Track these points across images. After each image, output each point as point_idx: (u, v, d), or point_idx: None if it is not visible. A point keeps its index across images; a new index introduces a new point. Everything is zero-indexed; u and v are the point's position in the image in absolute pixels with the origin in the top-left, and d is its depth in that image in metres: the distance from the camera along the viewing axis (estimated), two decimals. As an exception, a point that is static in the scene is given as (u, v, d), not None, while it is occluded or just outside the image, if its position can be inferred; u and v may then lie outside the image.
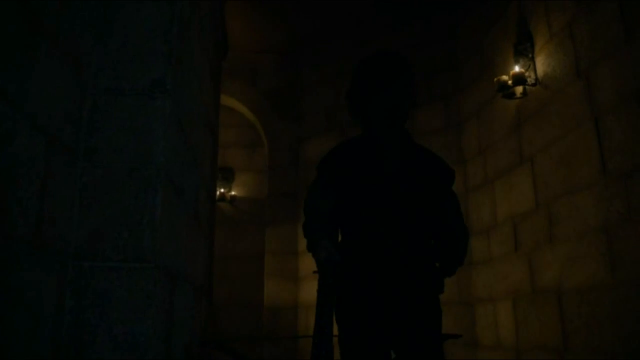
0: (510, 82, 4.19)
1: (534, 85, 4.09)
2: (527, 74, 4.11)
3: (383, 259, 1.99)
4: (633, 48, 2.98)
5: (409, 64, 2.15)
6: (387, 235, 2.02)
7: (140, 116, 1.65)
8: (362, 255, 2.02)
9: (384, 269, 1.99)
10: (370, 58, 2.20)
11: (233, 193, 7.42)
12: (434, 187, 2.12)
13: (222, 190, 7.26)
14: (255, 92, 6.88)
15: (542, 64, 4.03)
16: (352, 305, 2.01)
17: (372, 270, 1.99)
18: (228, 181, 7.48)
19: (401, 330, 1.98)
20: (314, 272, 1.98)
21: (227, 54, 5.22)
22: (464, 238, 2.13)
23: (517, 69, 4.15)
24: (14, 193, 1.21)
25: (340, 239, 2.13)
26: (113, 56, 1.69)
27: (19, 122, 1.21)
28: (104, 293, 1.56)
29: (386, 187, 2.06)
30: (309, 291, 6.03)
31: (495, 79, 4.32)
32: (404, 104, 2.11)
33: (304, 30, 6.36)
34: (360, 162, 2.11)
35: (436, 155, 2.25)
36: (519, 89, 4.20)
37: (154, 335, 1.60)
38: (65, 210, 1.52)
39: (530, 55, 4.15)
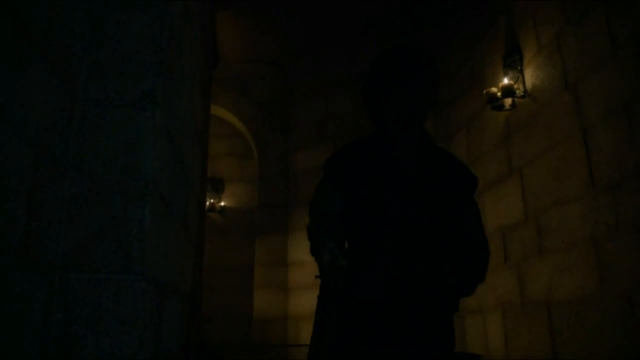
0: (499, 94, 4.21)
1: (522, 97, 4.12)
2: (516, 86, 4.14)
3: (394, 270, 1.80)
4: (620, 61, 3.01)
5: (433, 58, 1.98)
6: (400, 244, 1.83)
7: (130, 127, 1.65)
8: (371, 264, 1.83)
9: (394, 282, 1.80)
10: (391, 49, 2.03)
11: (223, 203, 7.39)
12: (454, 194, 1.94)
13: (211, 200, 7.24)
14: (246, 103, 6.88)
15: (530, 76, 4.06)
16: (356, 321, 1.80)
17: (381, 283, 1.81)
18: (218, 191, 7.46)
19: (411, 352, 1.78)
20: (316, 276, 1.81)
21: (218, 64, 5.22)
22: (484, 252, 1.94)
23: (506, 81, 4.18)
24: (1, 204, 1.20)
25: (347, 245, 1.94)
26: (103, 67, 1.68)
27: (6, 132, 1.21)
28: (91, 305, 1.55)
29: (401, 191, 1.88)
30: (299, 303, 6.02)
31: (485, 91, 4.35)
32: (424, 101, 1.94)
33: (295, 41, 6.37)
34: (373, 163, 1.94)
35: (458, 159, 2.08)
36: (508, 101, 4.22)
37: (141, 347, 1.59)
38: (54, 221, 1.51)
39: (519, 68, 4.18)
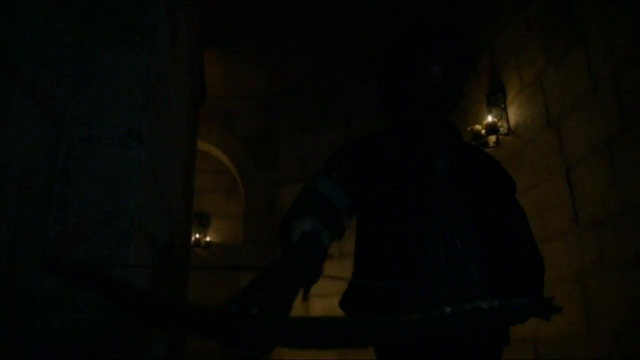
0: (483, 131, 4.25)
1: (506, 134, 4.16)
2: (500, 123, 4.19)
3: (432, 295, 1.33)
4: (600, 99, 3.06)
5: (468, 35, 1.68)
6: (441, 261, 1.44)
7: (115, 165, 1.65)
8: (399, 285, 1.40)
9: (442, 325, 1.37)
10: (415, 26, 1.70)
11: (208, 239, 7.37)
12: (496, 197, 1.61)
13: (197, 235, 7.21)
14: (232, 138, 6.90)
15: (514, 114, 4.12)
16: None
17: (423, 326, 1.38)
18: (203, 226, 7.44)
19: None
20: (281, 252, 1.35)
21: (205, 100, 5.25)
22: (541, 265, 1.62)
23: (490, 118, 4.23)
24: (-17, 244, 1.19)
25: (354, 269, 1.57)
26: (89, 105, 1.69)
27: (-10, 170, 1.20)
28: (73, 346, 1.52)
29: (436, 192, 1.51)
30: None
31: (469, 128, 4.39)
32: (458, 85, 1.60)
33: (281, 77, 6.43)
34: (397, 158, 1.57)
35: (492, 157, 1.79)
36: (492, 138, 4.26)
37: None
38: (36, 262, 1.49)
39: (502, 105, 4.24)
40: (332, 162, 1.60)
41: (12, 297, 1.36)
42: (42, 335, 1.52)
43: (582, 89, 3.25)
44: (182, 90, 2.76)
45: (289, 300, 1.06)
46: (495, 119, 4.21)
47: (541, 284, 1.60)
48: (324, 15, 5.35)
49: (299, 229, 1.31)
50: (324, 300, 5.69)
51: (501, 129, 4.18)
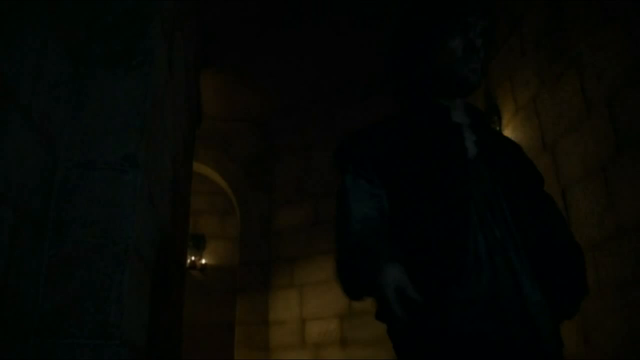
0: (479, 153, 4.26)
1: (502, 156, 4.16)
2: (495, 146, 4.19)
3: (499, 292, 1.24)
4: (595, 122, 3.08)
5: (493, 6, 1.45)
6: (481, 251, 1.28)
7: (111, 190, 1.64)
8: (456, 285, 1.24)
9: (503, 309, 1.23)
10: None
11: (204, 261, 7.33)
12: (527, 183, 1.46)
13: (192, 258, 7.17)
14: (227, 160, 6.90)
15: (509, 137, 4.13)
16: None
17: (484, 311, 1.23)
18: (199, 248, 7.41)
19: None
20: (377, 316, 1.30)
21: (202, 122, 5.26)
22: (582, 256, 1.47)
23: (485, 141, 4.23)
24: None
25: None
26: (86, 130, 1.69)
27: (-14, 197, 1.20)
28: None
29: (473, 179, 1.35)
30: (280, 363, 5.91)
31: (465, 151, 4.39)
32: (478, 62, 1.42)
33: (276, 99, 6.46)
34: (424, 141, 1.40)
35: (518, 144, 1.65)
36: (488, 161, 4.26)
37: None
38: (31, 284, 1.48)
39: (497, 128, 4.25)
40: (351, 156, 1.45)
41: (6, 321, 1.35)
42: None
43: (576, 112, 3.27)
44: (179, 113, 2.76)
45: None
46: (491, 142, 4.21)
47: (584, 270, 1.46)
48: (319, 38, 5.39)
49: (387, 280, 1.12)
50: (319, 323, 5.68)
51: (496, 151, 4.18)
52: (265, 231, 6.55)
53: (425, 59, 1.46)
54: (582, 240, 3.11)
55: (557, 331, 1.35)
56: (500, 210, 1.34)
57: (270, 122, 6.86)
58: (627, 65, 2.81)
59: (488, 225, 1.32)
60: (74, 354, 1.52)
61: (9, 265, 1.33)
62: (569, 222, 3.30)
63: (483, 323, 1.22)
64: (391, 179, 1.38)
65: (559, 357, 1.34)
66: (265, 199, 6.69)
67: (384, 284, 1.11)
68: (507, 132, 4.15)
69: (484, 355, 1.22)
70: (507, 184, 1.38)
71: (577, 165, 3.25)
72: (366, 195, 1.37)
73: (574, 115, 3.29)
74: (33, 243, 1.49)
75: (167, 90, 2.21)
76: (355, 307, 5.29)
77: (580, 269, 1.44)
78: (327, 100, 6.28)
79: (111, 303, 1.56)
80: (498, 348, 1.22)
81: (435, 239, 1.29)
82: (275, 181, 6.74)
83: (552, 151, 3.53)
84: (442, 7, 1.45)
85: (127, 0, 1.83)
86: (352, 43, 5.41)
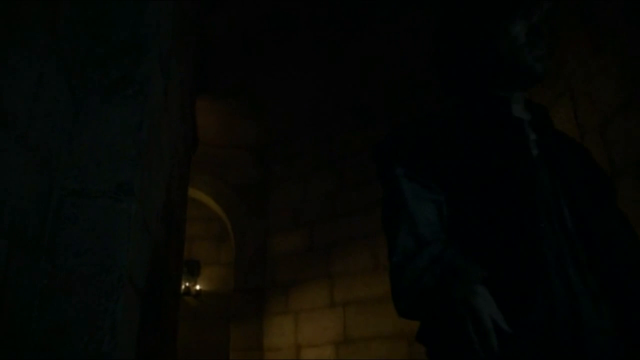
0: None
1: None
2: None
3: (569, 313, 1.10)
4: (588, 147, 3.10)
5: None
6: (548, 262, 1.14)
7: (106, 218, 1.64)
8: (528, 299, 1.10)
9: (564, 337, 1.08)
10: None
11: (198, 287, 7.30)
12: (594, 193, 1.28)
13: (187, 284, 7.14)
14: (223, 186, 6.90)
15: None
16: None
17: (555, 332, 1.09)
18: (193, 275, 7.37)
19: None
20: (419, 338, 1.21)
21: (197, 148, 5.27)
22: None
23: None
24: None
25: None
26: (81, 157, 1.69)
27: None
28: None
29: (539, 182, 1.21)
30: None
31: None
32: (542, 49, 1.28)
33: (273, 127, 6.48)
34: (481, 139, 1.25)
35: (587, 149, 1.47)
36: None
37: None
38: (24, 313, 1.47)
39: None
40: (397, 158, 1.29)
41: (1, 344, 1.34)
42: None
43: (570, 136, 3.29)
44: (174, 139, 2.77)
45: None
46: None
47: None
48: (317, 64, 5.42)
49: (477, 302, 1.01)
50: (314, 350, 5.63)
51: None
52: (260, 257, 6.53)
53: (482, 46, 1.31)
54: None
55: None
56: (561, 222, 1.20)
57: (268, 148, 6.88)
58: (619, 92, 2.83)
59: (563, 239, 1.18)
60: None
61: (1, 292, 1.33)
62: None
63: (537, 354, 1.08)
64: (446, 180, 1.23)
65: None
66: (260, 225, 6.68)
67: (479, 309, 0.99)
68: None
69: None
70: (571, 193, 1.23)
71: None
72: (425, 201, 1.23)
73: (568, 141, 3.31)
74: (26, 272, 1.48)
75: (162, 117, 2.21)
76: (351, 334, 5.26)
77: None
78: (326, 126, 6.30)
79: (104, 332, 1.55)
80: None
81: (505, 259, 1.14)
82: (271, 207, 6.74)
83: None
84: None
85: (124, 30, 1.84)
86: (351, 69, 5.44)
